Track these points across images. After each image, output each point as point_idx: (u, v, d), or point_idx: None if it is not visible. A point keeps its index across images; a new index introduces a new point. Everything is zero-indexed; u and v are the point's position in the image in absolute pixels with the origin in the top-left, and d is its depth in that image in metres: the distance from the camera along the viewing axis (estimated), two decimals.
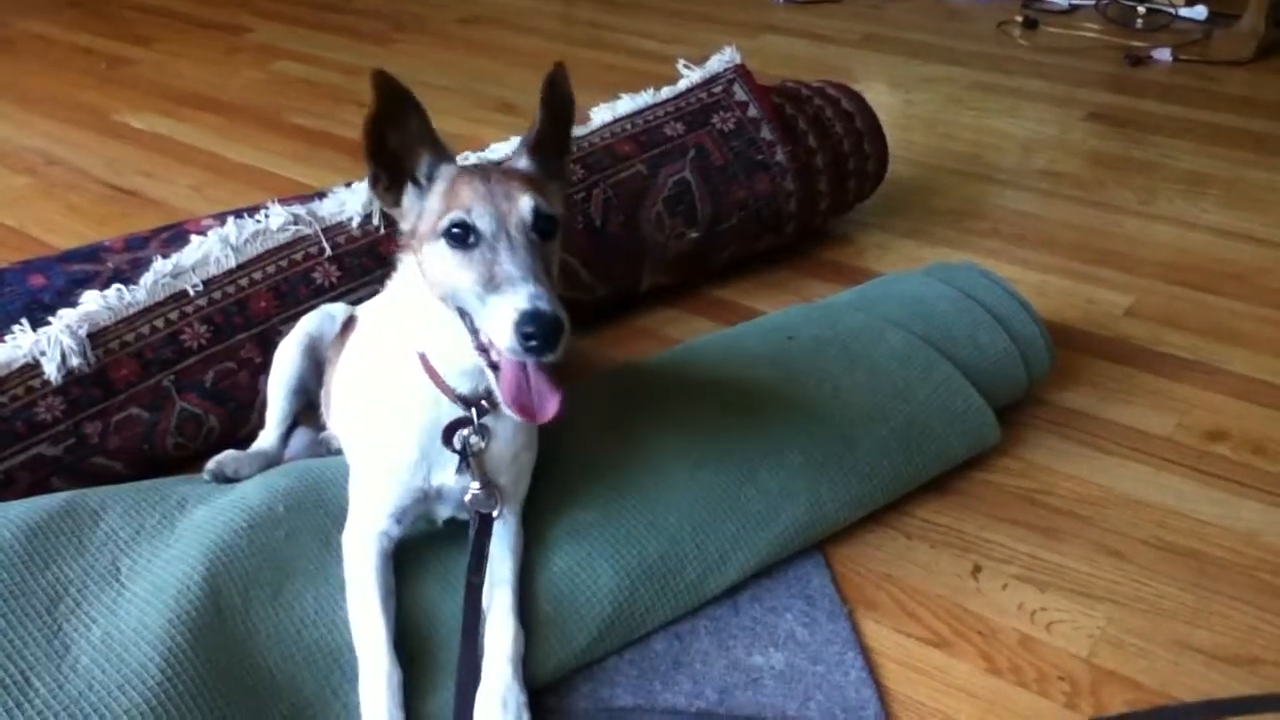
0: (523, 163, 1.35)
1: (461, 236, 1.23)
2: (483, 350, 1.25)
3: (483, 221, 1.23)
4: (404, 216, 1.32)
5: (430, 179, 1.30)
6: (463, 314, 1.25)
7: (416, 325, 1.34)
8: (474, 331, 1.25)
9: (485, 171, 1.29)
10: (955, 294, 1.99)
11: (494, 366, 1.24)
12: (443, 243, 1.24)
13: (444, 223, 1.24)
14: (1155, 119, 3.39)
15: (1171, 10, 4.27)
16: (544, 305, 1.16)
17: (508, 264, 1.20)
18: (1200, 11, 4.21)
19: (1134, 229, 2.71)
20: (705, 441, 1.68)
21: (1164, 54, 3.86)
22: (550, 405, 1.24)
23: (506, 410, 1.24)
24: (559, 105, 1.35)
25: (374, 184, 1.30)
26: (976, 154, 3.15)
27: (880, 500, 1.73)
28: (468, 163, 1.34)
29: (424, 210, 1.29)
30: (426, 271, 1.28)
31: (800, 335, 1.92)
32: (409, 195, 1.31)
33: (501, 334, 1.17)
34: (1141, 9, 4.29)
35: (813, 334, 1.92)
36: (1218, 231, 2.69)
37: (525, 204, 1.25)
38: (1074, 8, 4.39)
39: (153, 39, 4.11)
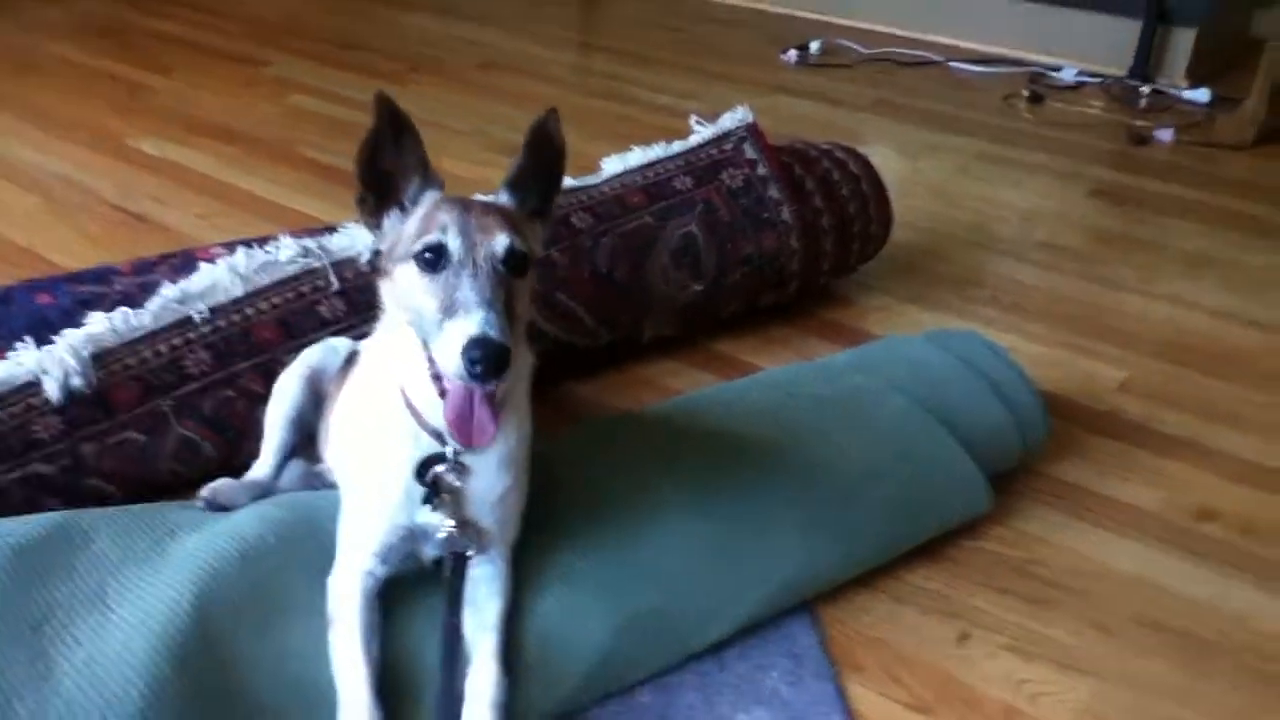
0: (503, 198, 1.38)
1: (432, 261, 1.25)
2: (436, 379, 1.27)
3: (454, 246, 1.25)
4: (382, 237, 1.35)
5: (414, 203, 1.33)
6: (425, 343, 1.27)
7: (397, 357, 1.36)
8: (430, 359, 1.26)
9: (466, 202, 1.31)
10: (955, 361, 2.01)
11: (443, 395, 1.27)
12: (412, 264, 1.26)
13: (417, 245, 1.26)
14: (1157, 198, 3.43)
15: (1175, 92, 4.34)
16: (493, 333, 1.17)
17: (467, 290, 1.22)
18: (1203, 94, 4.27)
19: (1133, 306, 2.73)
20: (702, 494, 1.68)
21: (1166, 134, 3.92)
22: (488, 431, 1.27)
23: (449, 437, 1.28)
24: (542, 146, 1.38)
25: (360, 203, 1.33)
26: (979, 223, 3.18)
27: (872, 562, 1.73)
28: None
29: (402, 233, 1.32)
30: (395, 293, 1.30)
31: (801, 392, 1.93)
32: (391, 217, 1.34)
33: (448, 358, 1.19)
34: (1145, 89, 4.35)
35: (813, 392, 1.93)
36: (1215, 313, 2.71)
37: (499, 239, 1.27)
38: (1079, 84, 4.46)
39: (174, 68, 4.16)
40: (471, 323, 1.18)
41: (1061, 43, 4.63)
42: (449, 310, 1.22)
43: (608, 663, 1.48)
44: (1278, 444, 2.17)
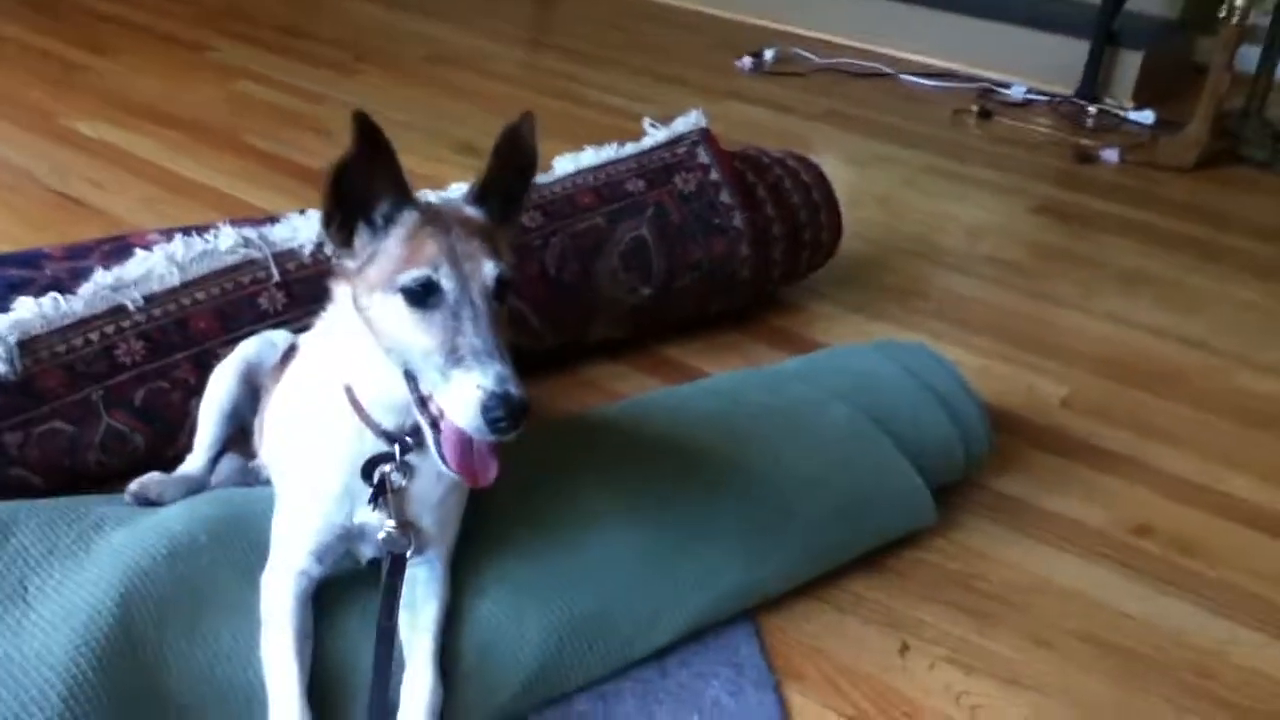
0: (471, 210, 1.31)
1: (422, 296, 1.19)
2: (422, 405, 1.22)
3: (448, 284, 1.19)
4: (353, 256, 1.26)
5: (389, 221, 1.24)
6: (407, 373, 1.22)
7: (345, 358, 1.31)
8: (416, 389, 1.22)
9: (445, 222, 1.24)
10: (901, 372, 2.01)
11: (434, 425, 1.22)
12: (400, 299, 1.20)
13: (405, 278, 1.19)
14: (1099, 216, 3.49)
15: (1121, 112, 4.41)
16: (512, 389, 1.14)
17: (472, 336, 1.17)
18: (1148, 116, 4.35)
19: (1073, 321, 2.77)
20: (643, 500, 1.66)
21: (1112, 154, 3.98)
22: (492, 469, 1.23)
23: (446, 470, 1.23)
24: (515, 155, 1.32)
25: (328, 224, 1.24)
26: (925, 235, 3.20)
27: (814, 571, 1.72)
28: (426, 201, 1.30)
29: (378, 253, 1.24)
30: (374, 321, 1.23)
31: (745, 400, 1.92)
32: (362, 235, 1.25)
33: (463, 412, 1.15)
34: (1092, 109, 4.43)
35: (758, 400, 1.92)
36: (1153, 331, 2.75)
37: (489, 269, 1.22)
38: (1028, 102, 4.52)
39: (112, 48, 4.05)
40: (486, 377, 1.14)
41: (1012, 60, 4.70)
42: (454, 357, 1.16)
43: (546, 669, 1.45)
44: (1212, 462, 2.21)
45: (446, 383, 1.16)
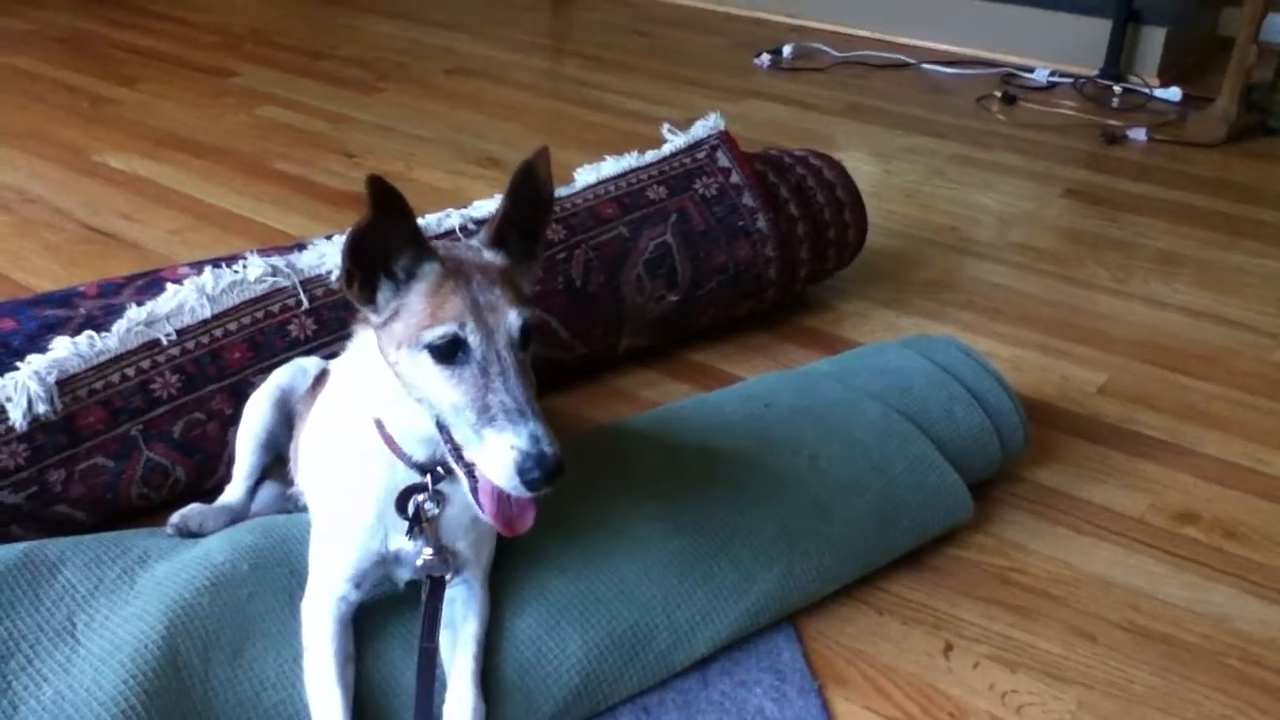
0: (490, 254, 1.30)
1: (449, 353, 1.20)
2: (457, 454, 1.24)
3: (474, 340, 1.20)
4: (377, 311, 1.25)
5: (410, 275, 1.24)
6: (439, 422, 1.24)
7: (372, 394, 1.32)
8: (449, 438, 1.23)
9: (466, 274, 1.24)
10: (932, 368, 2.00)
11: (469, 474, 1.24)
12: (426, 356, 1.21)
13: (431, 336, 1.20)
14: (1130, 197, 3.44)
15: (1147, 91, 4.36)
16: (546, 448, 1.15)
17: (503, 394, 1.18)
18: (1175, 93, 4.29)
19: (1108, 307, 2.74)
20: (679, 509, 1.67)
21: (1139, 134, 3.93)
22: (529, 518, 1.26)
23: (486, 520, 1.25)
24: (531, 192, 1.31)
25: (349, 284, 1.24)
26: (954, 226, 3.18)
27: (853, 574, 1.72)
28: (442, 249, 1.27)
29: (402, 309, 1.23)
30: (402, 375, 1.24)
31: (777, 404, 1.91)
32: (384, 290, 1.24)
33: (499, 471, 1.16)
34: (1117, 89, 4.37)
35: (790, 403, 1.91)
36: (1190, 312, 2.72)
37: (513, 319, 1.22)
38: (1052, 85, 4.47)
39: (138, 79, 4.11)
40: (520, 437, 1.16)
41: (1033, 43, 4.65)
42: (486, 415, 1.18)
43: (587, 684, 1.46)
44: (1256, 444, 2.17)
45: (480, 441, 1.18)
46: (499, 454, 1.16)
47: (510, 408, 1.17)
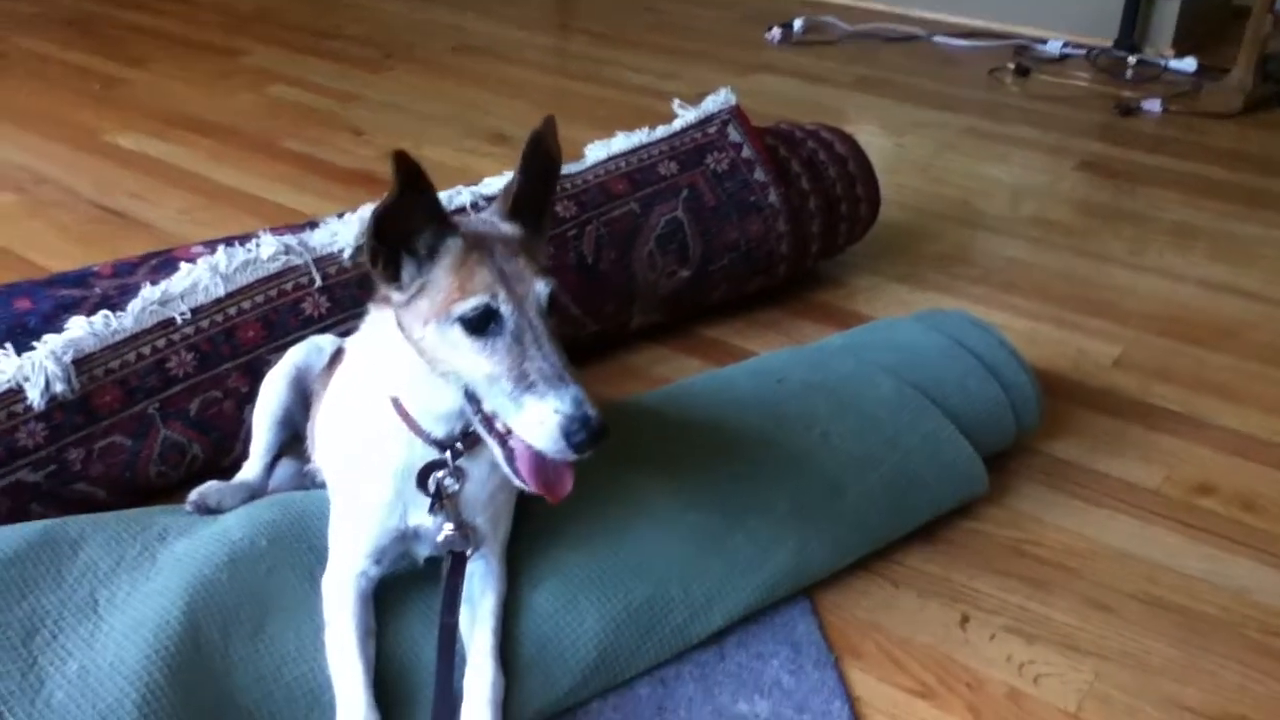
0: (507, 228, 1.30)
1: (482, 324, 1.20)
2: (488, 424, 1.25)
3: (505, 310, 1.20)
4: (401, 289, 1.25)
5: (432, 252, 1.24)
6: (468, 394, 1.24)
7: (389, 373, 1.33)
8: (479, 409, 1.24)
9: (489, 246, 1.24)
10: (946, 341, 1.99)
11: (502, 443, 1.24)
12: (458, 329, 1.21)
13: (463, 308, 1.20)
14: (1145, 169, 3.42)
15: (1161, 62, 4.32)
16: (590, 410, 1.17)
17: (540, 360, 1.19)
18: (1190, 64, 4.25)
19: (1123, 279, 2.72)
20: (693, 484, 1.67)
21: (1154, 105, 3.90)
22: (568, 482, 1.27)
23: (525, 488, 1.26)
24: (539, 160, 1.31)
25: (373, 263, 1.24)
26: (967, 200, 3.16)
27: (868, 548, 1.72)
28: (463, 223, 1.27)
29: (427, 285, 1.23)
30: (428, 350, 1.24)
31: (790, 379, 1.91)
32: (407, 268, 1.24)
33: (544, 436, 1.17)
34: (1132, 60, 4.34)
35: (802, 378, 1.91)
36: (1206, 284, 2.70)
37: (540, 288, 1.23)
38: (1065, 56, 4.44)
39: (147, 60, 4.11)
40: (563, 401, 1.17)
41: (1046, 14, 4.61)
42: (524, 383, 1.18)
43: (605, 657, 1.46)
44: (1273, 416, 2.17)
45: (519, 408, 1.18)
46: (542, 419, 1.17)
47: (549, 374, 1.18)
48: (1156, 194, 3.23)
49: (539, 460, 1.23)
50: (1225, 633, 1.64)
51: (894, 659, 1.57)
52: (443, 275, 1.23)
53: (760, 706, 1.47)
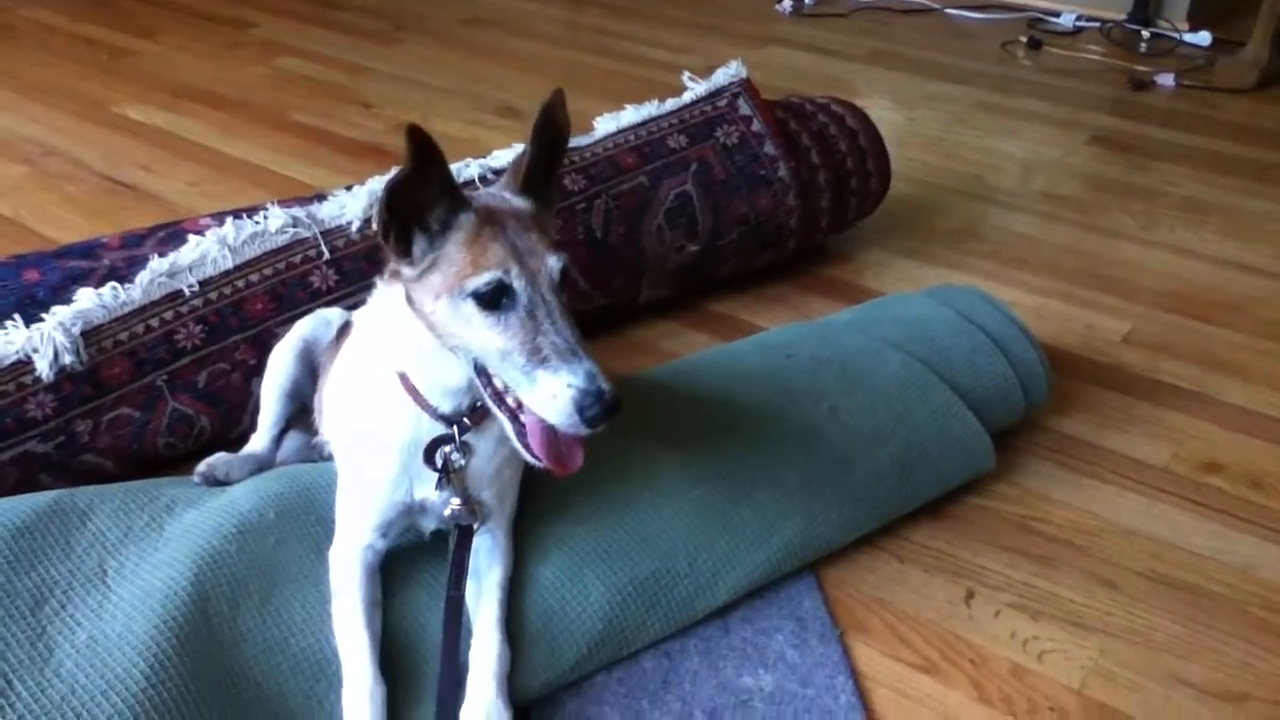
0: (519, 202, 1.30)
1: (495, 299, 1.20)
2: (498, 398, 1.25)
3: (519, 285, 1.20)
4: (412, 264, 1.25)
5: (445, 226, 1.23)
6: (478, 368, 1.24)
7: (397, 348, 1.33)
8: (489, 383, 1.25)
9: (502, 220, 1.24)
10: (955, 317, 1.98)
11: (513, 418, 1.25)
12: (471, 303, 1.20)
13: (476, 283, 1.20)
14: (1157, 144, 3.39)
15: (1176, 35, 4.28)
16: (603, 384, 1.17)
17: (553, 335, 1.19)
18: (1204, 38, 4.22)
19: (1133, 255, 2.71)
20: (700, 459, 1.67)
21: (1167, 79, 3.87)
22: (579, 457, 1.27)
23: (536, 462, 1.26)
24: (550, 131, 1.31)
25: (385, 237, 1.23)
26: (978, 174, 3.14)
27: (875, 523, 1.72)
28: (475, 198, 1.27)
29: (440, 260, 1.23)
30: (440, 325, 1.24)
31: (799, 354, 1.91)
32: (419, 243, 1.24)
33: (557, 409, 1.17)
34: (1145, 33, 4.30)
35: (811, 353, 1.91)
36: (1216, 261, 2.69)
37: (553, 263, 1.23)
38: (1078, 30, 4.40)
39: (156, 31, 4.09)
40: (576, 375, 1.17)
41: None
42: (537, 357, 1.18)
43: (610, 630, 1.47)
44: None
45: (532, 383, 1.18)
46: (555, 393, 1.17)
47: (562, 348, 1.18)
48: (1167, 169, 3.21)
49: (551, 435, 1.24)
50: (1229, 610, 1.64)
51: (899, 634, 1.58)
52: (455, 250, 1.23)
53: (765, 680, 1.48)
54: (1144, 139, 3.44)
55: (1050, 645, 1.56)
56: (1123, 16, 4.40)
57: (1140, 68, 4.01)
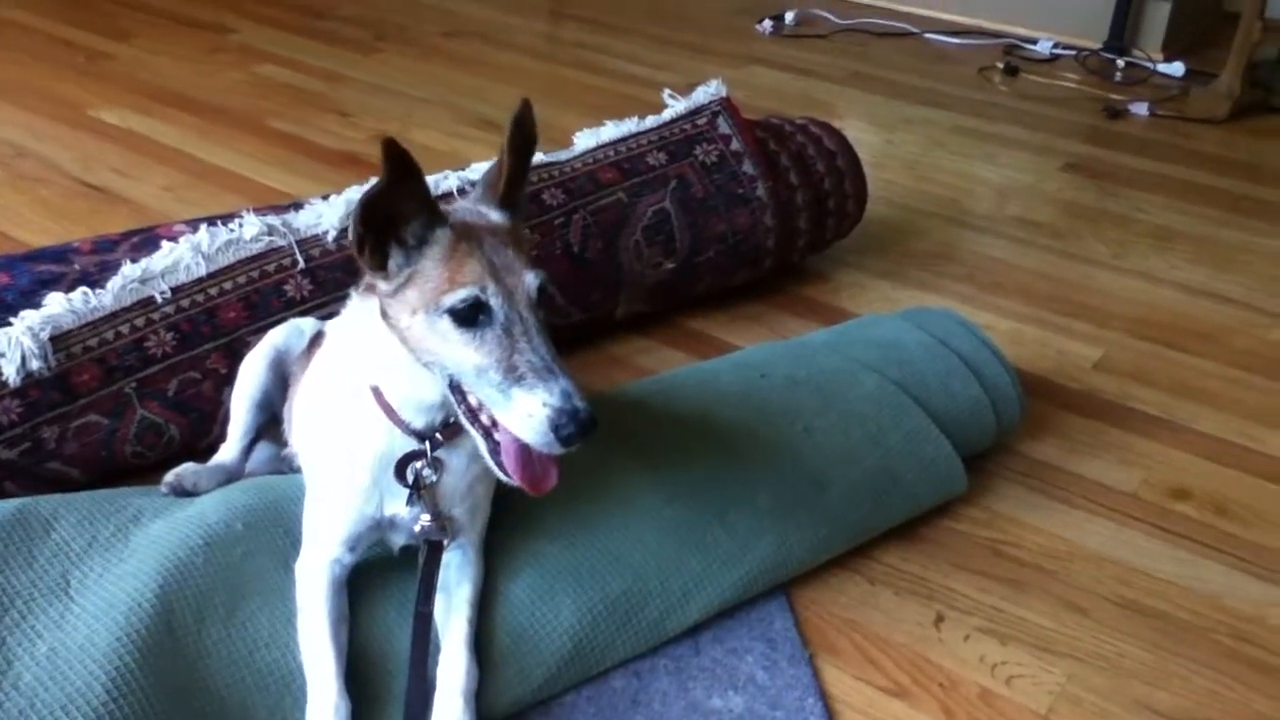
0: (495, 216, 1.29)
1: (471, 316, 1.19)
2: (472, 416, 1.24)
3: (495, 302, 1.19)
4: (388, 278, 1.24)
5: (421, 241, 1.22)
6: (453, 385, 1.23)
7: (370, 362, 1.32)
8: (463, 400, 1.24)
9: (479, 236, 1.23)
10: (930, 340, 1.99)
11: (487, 435, 1.24)
12: (447, 320, 1.20)
13: (452, 300, 1.19)
14: (1130, 172, 3.43)
15: (1150, 65, 4.33)
16: (579, 403, 1.16)
17: (529, 353, 1.18)
18: (1178, 68, 4.27)
19: (1105, 282, 2.73)
20: (674, 477, 1.67)
21: (1141, 108, 3.92)
22: (553, 476, 1.26)
23: (510, 481, 1.25)
24: (524, 144, 1.31)
25: (360, 251, 1.22)
26: (954, 198, 3.17)
27: (847, 544, 1.72)
28: (451, 213, 1.26)
29: (416, 275, 1.22)
30: (415, 340, 1.23)
31: (773, 374, 1.91)
32: (395, 257, 1.23)
33: (532, 429, 1.16)
34: (1121, 62, 4.35)
35: (786, 373, 1.91)
36: (1187, 289, 2.72)
37: (531, 280, 1.22)
38: (1055, 57, 4.45)
39: (134, 34, 4.06)
40: (551, 394, 1.16)
41: (1037, 14, 4.62)
42: (513, 375, 1.17)
43: (580, 649, 1.46)
44: (1250, 421, 2.18)
45: (508, 400, 1.18)
46: (531, 412, 1.16)
47: (538, 366, 1.17)
48: (1141, 197, 3.25)
49: (525, 453, 1.23)
50: (1197, 637, 1.65)
51: (869, 657, 1.57)
52: (432, 266, 1.22)
53: (734, 702, 1.47)
54: (1118, 167, 3.48)
55: (1019, 670, 1.57)
56: (1099, 45, 4.46)
57: (1115, 96, 4.06)
